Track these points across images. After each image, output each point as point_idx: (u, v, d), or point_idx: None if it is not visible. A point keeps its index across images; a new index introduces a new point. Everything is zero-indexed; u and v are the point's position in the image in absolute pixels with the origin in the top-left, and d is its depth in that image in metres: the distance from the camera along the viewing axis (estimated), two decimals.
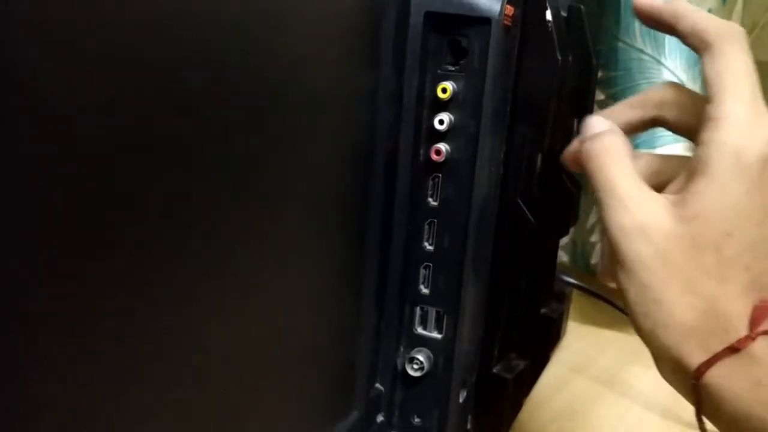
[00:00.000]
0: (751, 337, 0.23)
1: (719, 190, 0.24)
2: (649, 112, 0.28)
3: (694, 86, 0.56)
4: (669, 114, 0.28)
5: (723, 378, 0.23)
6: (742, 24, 0.55)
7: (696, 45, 0.26)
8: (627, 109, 0.29)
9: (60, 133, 0.15)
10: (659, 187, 0.27)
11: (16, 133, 0.14)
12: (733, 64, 0.25)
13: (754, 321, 0.24)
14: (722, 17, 0.54)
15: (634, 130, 0.29)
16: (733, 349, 0.23)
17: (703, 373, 0.24)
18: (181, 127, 0.19)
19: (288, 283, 0.25)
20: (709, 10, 0.54)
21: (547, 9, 0.31)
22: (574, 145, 0.30)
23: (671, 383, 0.26)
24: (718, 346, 0.23)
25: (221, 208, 0.21)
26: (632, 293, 0.25)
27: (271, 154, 0.23)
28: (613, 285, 0.28)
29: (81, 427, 0.17)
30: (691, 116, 0.27)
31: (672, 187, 0.26)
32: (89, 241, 0.16)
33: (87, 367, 0.17)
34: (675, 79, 0.56)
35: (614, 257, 0.26)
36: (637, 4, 0.28)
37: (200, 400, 0.22)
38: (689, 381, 0.24)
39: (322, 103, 0.25)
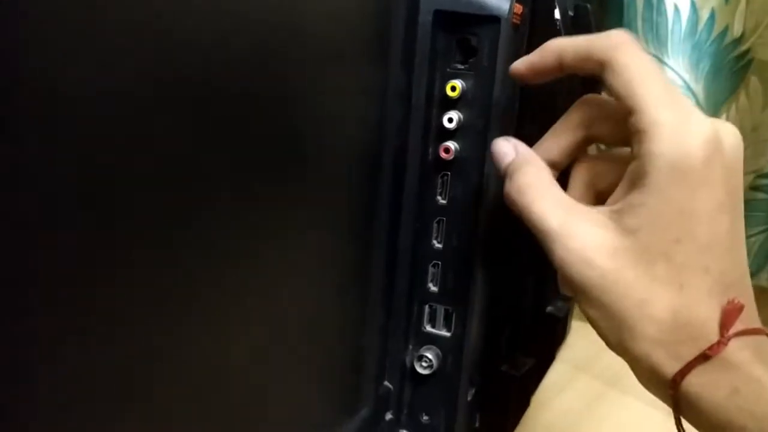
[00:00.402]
0: (722, 342, 0.22)
1: (660, 200, 0.23)
2: (578, 135, 0.27)
3: (696, 86, 0.56)
4: (598, 131, 0.27)
5: (699, 387, 0.23)
6: (746, 24, 0.55)
7: (592, 69, 0.25)
8: (556, 138, 0.28)
9: (63, 133, 0.15)
10: (609, 189, 0.26)
11: (17, 134, 0.14)
12: (636, 70, 0.24)
13: (723, 324, 0.23)
14: (725, 17, 0.54)
15: (570, 156, 0.28)
16: (705, 357, 0.22)
17: (679, 382, 0.23)
18: (193, 124, 0.19)
19: (297, 281, 0.26)
20: (713, 10, 0.54)
21: (555, 7, 0.31)
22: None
23: (651, 392, 0.25)
24: (690, 355, 0.23)
25: (230, 207, 0.21)
26: (592, 315, 0.24)
27: (281, 153, 0.23)
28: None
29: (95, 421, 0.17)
30: (622, 126, 0.25)
31: (612, 198, 0.25)
32: (98, 237, 0.16)
33: (91, 363, 0.17)
34: (678, 78, 0.56)
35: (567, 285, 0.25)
36: (514, 72, 0.27)
37: (210, 398, 0.22)
38: (667, 390, 0.24)
39: (331, 101, 0.25)
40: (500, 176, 0.27)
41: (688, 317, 0.23)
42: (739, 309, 0.23)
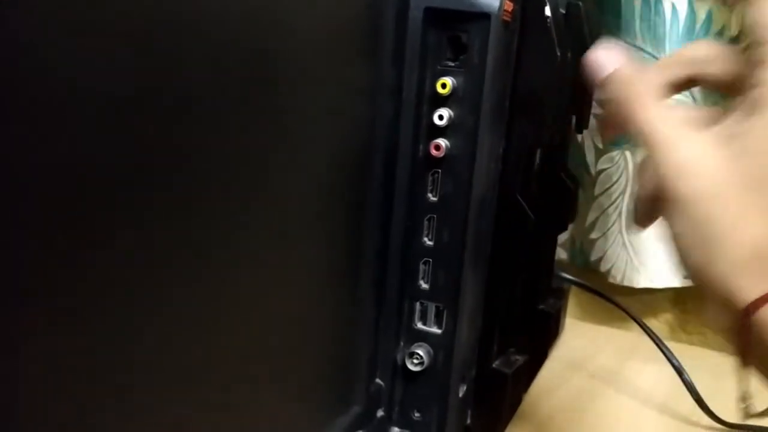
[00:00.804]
0: None
1: None
2: (685, 70, 0.27)
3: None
4: (708, 69, 0.27)
5: None
6: (743, 24, 0.55)
7: None
8: (661, 70, 0.28)
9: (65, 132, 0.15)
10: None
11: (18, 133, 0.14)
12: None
13: None
14: (723, 17, 0.54)
15: (669, 93, 0.28)
16: None
17: (752, 312, 0.23)
18: (182, 122, 0.19)
19: (287, 279, 0.26)
20: (710, 10, 0.54)
21: (546, 5, 0.31)
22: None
23: (714, 325, 0.25)
24: None
25: (220, 204, 0.21)
26: (681, 229, 0.24)
27: (269, 150, 0.23)
28: (645, 230, 0.27)
29: (85, 423, 0.17)
30: (731, 69, 0.26)
31: (722, 126, 0.25)
32: (93, 235, 0.17)
33: (87, 361, 0.17)
34: None
35: (661, 198, 0.25)
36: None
37: (201, 396, 0.22)
38: (737, 319, 0.23)
39: (321, 98, 0.26)
40: (599, 83, 0.27)
41: None
42: None
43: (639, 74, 0.27)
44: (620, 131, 0.29)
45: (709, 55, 0.27)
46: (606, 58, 0.28)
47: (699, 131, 0.25)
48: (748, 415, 0.26)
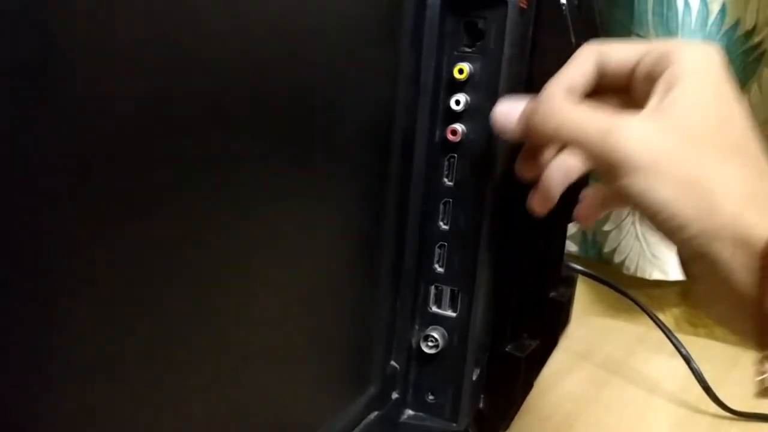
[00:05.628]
0: None
1: (699, 88, 0.24)
2: (584, 66, 0.27)
3: None
4: (607, 61, 0.27)
5: None
6: (758, 19, 0.55)
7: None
8: (559, 79, 0.28)
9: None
10: None
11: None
12: None
13: None
14: (737, 10, 0.54)
15: (580, 99, 0.28)
16: None
17: None
18: (210, 109, 0.19)
19: (307, 262, 0.26)
20: (723, 3, 0.54)
21: None
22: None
23: (734, 279, 0.23)
24: None
25: (244, 185, 0.21)
26: (666, 195, 0.23)
27: (292, 134, 0.23)
28: (589, 226, 0.28)
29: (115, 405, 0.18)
30: (629, 59, 0.27)
31: (646, 109, 0.26)
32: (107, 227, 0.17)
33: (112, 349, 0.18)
34: None
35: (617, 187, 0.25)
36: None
37: (224, 375, 0.22)
38: (758, 262, 0.22)
39: (342, 83, 0.26)
40: (513, 132, 0.28)
41: (763, 188, 0.23)
42: None
43: (544, 96, 0.27)
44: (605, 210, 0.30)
45: (603, 51, 0.28)
46: (508, 105, 0.28)
47: (631, 115, 0.25)
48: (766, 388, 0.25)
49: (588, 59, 0.28)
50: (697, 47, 0.26)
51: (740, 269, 0.23)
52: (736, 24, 0.55)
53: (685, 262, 0.26)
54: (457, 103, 0.30)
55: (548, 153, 0.30)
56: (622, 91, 0.28)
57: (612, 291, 0.56)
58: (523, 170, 0.30)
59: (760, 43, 0.56)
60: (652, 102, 0.25)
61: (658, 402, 0.50)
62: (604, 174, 0.25)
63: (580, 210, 0.31)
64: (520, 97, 0.28)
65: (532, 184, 0.31)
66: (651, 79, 0.26)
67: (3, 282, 0.14)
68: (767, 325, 0.22)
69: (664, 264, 0.60)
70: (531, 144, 0.29)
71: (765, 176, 0.24)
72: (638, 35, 0.56)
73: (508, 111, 0.28)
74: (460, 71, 0.30)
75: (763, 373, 0.24)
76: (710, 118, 0.24)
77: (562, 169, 0.29)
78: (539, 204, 0.30)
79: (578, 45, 0.31)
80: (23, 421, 0.15)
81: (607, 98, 0.28)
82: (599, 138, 0.24)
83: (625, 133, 0.24)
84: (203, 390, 0.21)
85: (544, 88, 0.27)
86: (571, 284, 0.51)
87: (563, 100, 0.26)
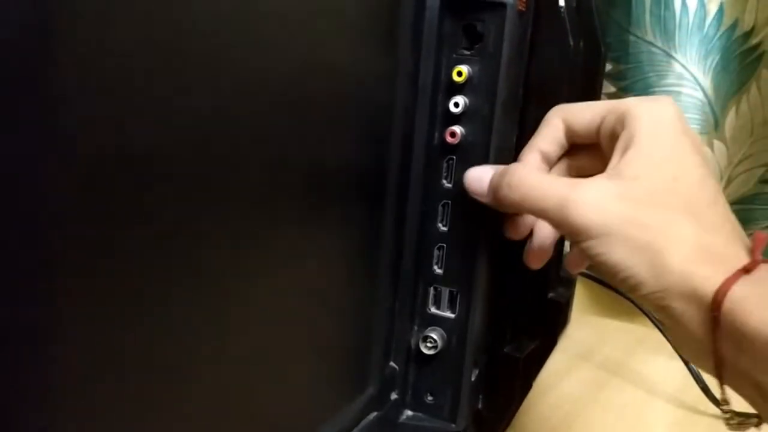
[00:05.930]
0: (757, 261, 0.23)
1: (653, 148, 0.26)
2: (552, 134, 0.30)
3: (705, 79, 0.56)
4: (573, 122, 0.29)
5: (744, 300, 0.23)
6: (757, 19, 0.55)
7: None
8: (529, 148, 0.30)
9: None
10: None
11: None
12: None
13: (754, 248, 0.24)
14: (735, 11, 0.54)
15: (548, 166, 0.30)
16: (746, 270, 0.23)
17: (721, 300, 0.23)
18: (210, 108, 0.19)
19: (306, 263, 0.26)
20: (721, 4, 0.54)
21: None
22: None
23: (687, 331, 0.25)
24: (729, 272, 0.23)
25: (245, 189, 0.22)
26: (619, 257, 0.25)
27: (290, 139, 0.24)
28: (578, 273, 0.29)
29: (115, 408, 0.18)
30: (592, 121, 0.29)
31: (607, 169, 0.27)
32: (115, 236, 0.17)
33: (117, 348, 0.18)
34: (686, 72, 0.56)
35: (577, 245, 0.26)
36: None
37: (224, 375, 0.22)
38: (708, 315, 0.23)
39: (341, 86, 0.26)
40: (485, 200, 0.30)
41: (712, 242, 0.24)
42: (766, 238, 0.24)
43: (512, 166, 0.29)
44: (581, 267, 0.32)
45: (569, 113, 0.30)
46: (479, 171, 0.30)
47: (589, 179, 0.27)
48: (731, 423, 0.27)
49: (557, 124, 0.30)
50: (652, 104, 0.27)
51: (693, 321, 0.24)
52: (735, 24, 0.55)
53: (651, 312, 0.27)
54: (456, 105, 0.30)
55: (529, 216, 0.32)
56: (595, 147, 0.29)
57: (611, 292, 0.56)
58: (511, 234, 0.32)
59: (759, 44, 0.56)
60: (612, 163, 0.27)
61: (657, 403, 0.51)
62: (568, 238, 0.27)
63: (567, 260, 0.34)
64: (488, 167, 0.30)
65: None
66: (614, 137, 0.27)
67: (3, 282, 0.14)
68: (722, 369, 0.24)
69: None
70: (504, 211, 0.31)
71: (717, 229, 0.25)
72: (636, 36, 0.57)
73: (480, 177, 0.30)
74: (459, 74, 0.30)
75: (727, 411, 0.27)
76: (663, 177, 0.25)
77: (546, 229, 0.32)
78: (534, 261, 0.33)
79: (576, 47, 0.31)
80: (23, 421, 0.16)
81: (585, 153, 0.30)
82: (557, 209, 0.26)
83: (581, 202, 0.26)
84: (202, 390, 0.22)
85: (519, 155, 0.30)
86: (570, 285, 0.52)
87: (528, 171, 0.28)
